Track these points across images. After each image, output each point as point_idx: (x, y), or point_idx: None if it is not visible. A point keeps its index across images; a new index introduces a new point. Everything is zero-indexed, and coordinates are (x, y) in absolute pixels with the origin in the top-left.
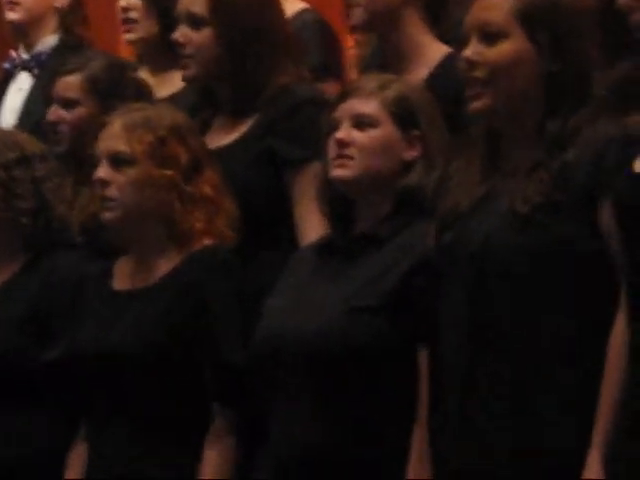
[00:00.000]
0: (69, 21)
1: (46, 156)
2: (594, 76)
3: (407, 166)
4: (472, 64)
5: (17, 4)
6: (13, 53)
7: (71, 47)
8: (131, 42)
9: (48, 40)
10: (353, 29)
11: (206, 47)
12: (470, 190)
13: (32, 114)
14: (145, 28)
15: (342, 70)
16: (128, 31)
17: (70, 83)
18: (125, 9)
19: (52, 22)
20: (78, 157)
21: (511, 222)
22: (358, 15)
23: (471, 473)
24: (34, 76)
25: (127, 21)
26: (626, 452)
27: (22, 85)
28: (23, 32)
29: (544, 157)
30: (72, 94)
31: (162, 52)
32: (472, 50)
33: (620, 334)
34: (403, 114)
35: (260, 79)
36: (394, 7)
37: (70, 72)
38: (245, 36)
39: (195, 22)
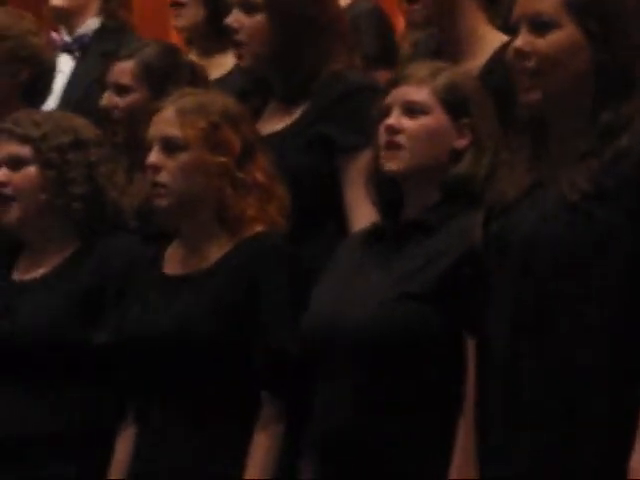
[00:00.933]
0: (112, 5)
1: (100, 141)
2: None
3: (457, 154)
4: (523, 55)
5: None
6: (54, 35)
7: (112, 30)
8: (179, 29)
9: (90, 23)
10: (414, 26)
11: (259, 33)
12: (517, 180)
13: (72, 97)
14: (193, 13)
15: (397, 58)
16: (176, 16)
17: (124, 69)
18: None
19: (95, 5)
20: (132, 142)
21: (559, 210)
22: (419, 11)
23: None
24: (75, 59)
25: (175, 5)
26: None
27: (63, 67)
28: (66, 17)
29: (595, 146)
30: (126, 80)
31: (210, 37)
32: (522, 40)
33: None
34: (454, 102)
35: (313, 65)
36: None
37: (124, 58)
38: (298, 22)
39: (248, 7)
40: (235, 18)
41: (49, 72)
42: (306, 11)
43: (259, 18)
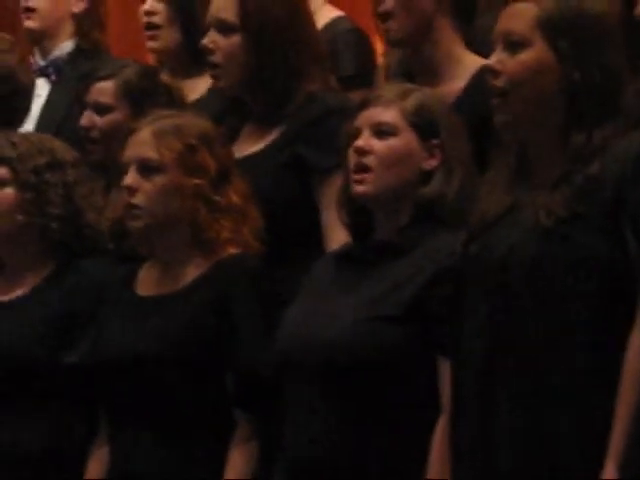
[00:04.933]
0: (86, 26)
1: (78, 163)
2: (627, 88)
3: (427, 175)
4: (494, 73)
5: (33, 12)
6: (30, 59)
7: (87, 52)
8: (154, 50)
9: (65, 46)
10: (390, 44)
11: (235, 54)
12: (498, 200)
13: (50, 120)
14: (168, 36)
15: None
16: (151, 38)
17: (104, 89)
18: (148, 13)
19: (68, 28)
20: (109, 162)
21: (535, 234)
22: (395, 30)
23: None
24: (51, 82)
25: (150, 26)
26: None
27: (39, 91)
28: (40, 39)
29: (569, 170)
30: (106, 100)
31: (184, 60)
32: (495, 59)
33: (636, 345)
34: (423, 123)
35: (289, 87)
36: (428, 17)
37: (104, 78)
38: (274, 43)
39: (224, 29)
40: (211, 39)
41: (25, 92)
42: (282, 32)
43: (235, 39)
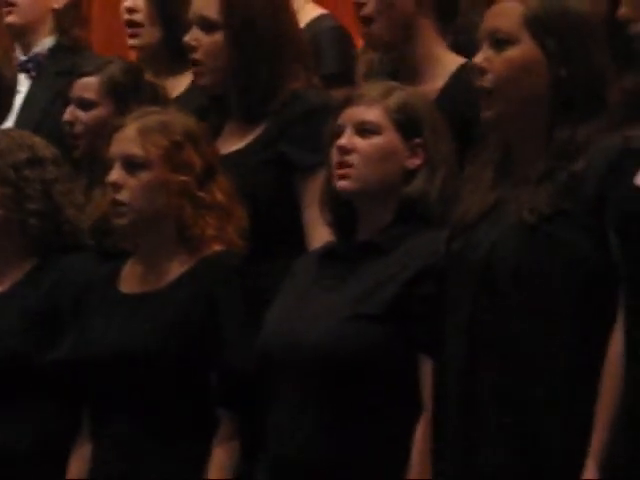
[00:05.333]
0: (66, 22)
1: (58, 159)
2: (610, 86)
3: (410, 174)
4: (481, 71)
5: (14, 6)
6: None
7: (68, 48)
8: (135, 47)
9: (45, 41)
10: (372, 48)
11: (217, 51)
12: (481, 198)
13: (29, 116)
14: (150, 33)
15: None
16: (133, 35)
17: (88, 84)
18: (130, 10)
19: (49, 23)
20: (92, 159)
21: (518, 232)
22: (376, 35)
23: None
24: (31, 78)
25: (131, 23)
26: (624, 459)
27: (19, 87)
28: (20, 34)
29: (552, 166)
30: (90, 95)
31: (166, 57)
32: (481, 56)
33: (617, 345)
34: (406, 122)
35: (271, 84)
36: (409, 19)
37: (88, 74)
38: (256, 41)
39: (207, 26)
40: (193, 37)
41: (8, 88)
42: (264, 30)
43: (217, 37)
